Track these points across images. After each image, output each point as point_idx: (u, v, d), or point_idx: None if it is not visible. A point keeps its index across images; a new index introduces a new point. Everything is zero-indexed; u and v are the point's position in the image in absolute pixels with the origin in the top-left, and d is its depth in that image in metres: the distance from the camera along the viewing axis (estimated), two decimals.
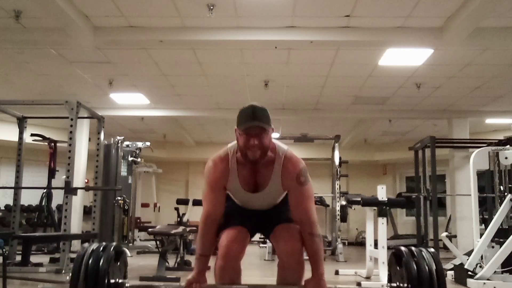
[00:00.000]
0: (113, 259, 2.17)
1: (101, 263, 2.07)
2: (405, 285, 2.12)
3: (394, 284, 2.24)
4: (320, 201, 10.15)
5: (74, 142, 5.57)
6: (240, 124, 2.18)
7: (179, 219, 7.93)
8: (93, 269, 2.05)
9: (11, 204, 6.10)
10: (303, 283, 2.25)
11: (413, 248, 2.19)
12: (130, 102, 8.33)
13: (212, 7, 4.64)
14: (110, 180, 8.08)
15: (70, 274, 2.11)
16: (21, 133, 6.26)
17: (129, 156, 8.65)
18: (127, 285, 2.25)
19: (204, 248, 2.28)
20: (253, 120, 2.15)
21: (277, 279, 2.35)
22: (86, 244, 2.19)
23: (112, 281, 2.16)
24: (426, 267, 2.07)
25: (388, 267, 2.36)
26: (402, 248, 2.20)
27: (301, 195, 2.27)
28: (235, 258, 2.26)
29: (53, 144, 7.70)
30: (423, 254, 2.13)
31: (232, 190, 2.40)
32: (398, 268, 2.24)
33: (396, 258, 2.26)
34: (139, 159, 8.94)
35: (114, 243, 2.26)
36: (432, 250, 2.20)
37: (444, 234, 5.17)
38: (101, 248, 2.14)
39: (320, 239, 2.26)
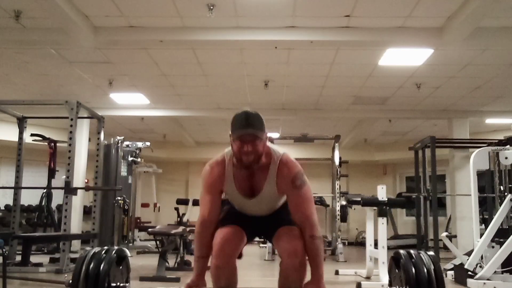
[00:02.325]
0: (114, 263, 2.18)
1: (101, 267, 2.07)
2: None
3: None
4: (320, 201, 10.14)
5: (74, 142, 5.57)
6: (234, 131, 2.22)
7: (179, 219, 7.94)
8: (94, 273, 2.05)
9: (11, 204, 6.09)
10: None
11: (412, 251, 2.19)
12: (130, 102, 8.33)
13: (212, 7, 4.64)
14: (110, 180, 8.07)
15: (71, 276, 2.11)
16: (21, 133, 6.26)
17: (129, 156, 8.65)
18: None
19: (201, 250, 2.32)
20: (247, 127, 2.18)
21: (279, 279, 2.35)
22: (88, 248, 2.20)
23: (113, 284, 2.16)
24: (425, 270, 2.07)
25: (388, 270, 2.36)
26: (401, 252, 2.20)
27: (299, 199, 2.29)
28: (229, 256, 2.26)
29: (53, 144, 7.70)
30: (422, 257, 2.13)
31: (229, 195, 2.42)
32: (397, 271, 2.24)
33: (395, 262, 2.27)
34: (139, 159, 8.94)
35: (116, 247, 2.26)
36: (431, 253, 2.20)
37: (444, 234, 5.16)
38: (103, 252, 2.14)
39: (321, 241, 2.28)
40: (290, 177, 2.28)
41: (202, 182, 2.37)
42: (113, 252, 2.18)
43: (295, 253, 2.23)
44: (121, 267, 2.26)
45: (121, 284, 2.23)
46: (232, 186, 2.34)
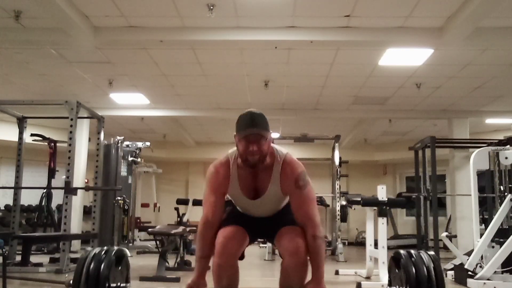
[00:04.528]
0: (114, 264, 2.18)
1: (101, 269, 2.09)
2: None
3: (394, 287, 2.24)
4: (320, 201, 10.14)
5: (74, 142, 5.57)
6: (239, 131, 2.24)
7: (179, 219, 7.93)
8: (94, 275, 2.07)
9: (11, 204, 6.09)
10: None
11: (412, 251, 2.19)
12: (130, 102, 8.33)
13: (212, 7, 4.64)
14: (110, 180, 8.07)
15: (72, 276, 2.12)
16: (21, 133, 6.26)
17: (129, 156, 8.65)
18: None
19: (203, 250, 2.32)
20: (252, 127, 2.21)
21: (280, 278, 2.36)
22: (88, 249, 2.21)
23: (113, 285, 2.17)
24: (425, 270, 2.07)
25: (388, 270, 2.36)
26: (401, 252, 2.20)
27: (301, 199, 2.30)
28: (231, 255, 2.26)
29: (53, 144, 7.70)
30: (422, 256, 2.13)
31: (233, 196, 2.42)
32: (397, 271, 2.24)
33: (395, 261, 2.27)
34: (139, 159, 8.94)
35: (116, 247, 2.26)
36: (431, 252, 2.20)
37: (444, 234, 5.17)
38: (103, 253, 2.15)
39: (323, 241, 2.28)
40: (293, 177, 2.29)
41: (206, 183, 2.38)
42: (113, 252, 2.18)
43: (296, 252, 2.23)
44: (120, 267, 2.26)
45: (122, 285, 2.22)
46: (236, 187, 2.34)
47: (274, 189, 2.32)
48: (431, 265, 2.09)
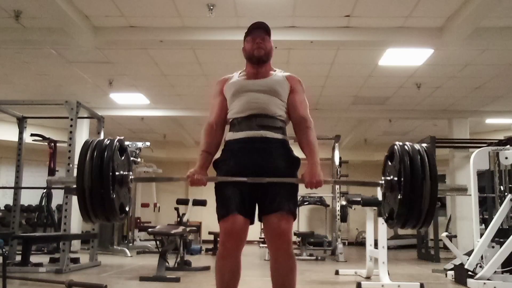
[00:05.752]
0: (117, 152, 2.22)
1: (105, 155, 2.12)
2: (398, 177, 2.16)
3: (389, 178, 2.25)
4: (320, 201, 10.15)
5: (74, 142, 5.56)
6: (246, 33, 2.51)
7: (179, 219, 7.92)
8: (98, 163, 2.10)
9: (11, 204, 6.09)
10: (295, 276, 2.28)
11: (407, 142, 2.25)
12: (130, 102, 8.33)
13: (212, 7, 4.65)
14: None
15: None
16: (21, 133, 6.25)
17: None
18: (131, 177, 2.30)
19: (207, 145, 2.37)
20: (258, 25, 2.48)
21: (271, 274, 2.34)
22: (90, 138, 2.25)
23: (117, 173, 2.19)
24: (419, 158, 2.12)
25: (383, 165, 2.37)
26: (397, 143, 2.24)
27: (300, 98, 2.43)
28: (234, 248, 2.25)
29: (53, 144, 7.69)
30: (416, 147, 2.19)
31: (231, 86, 2.45)
32: (391, 164, 2.27)
33: (390, 154, 2.30)
34: (139, 159, 8.94)
35: (118, 137, 2.29)
36: (424, 144, 2.26)
37: (444, 234, 5.17)
38: (106, 141, 2.19)
39: (315, 134, 2.41)
40: (296, 80, 2.46)
41: (211, 93, 2.53)
42: (115, 141, 2.22)
43: (282, 235, 2.21)
44: (123, 158, 2.29)
45: (124, 173, 2.26)
46: (237, 78, 2.50)
47: (277, 78, 2.44)
48: (425, 156, 2.14)
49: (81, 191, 2.09)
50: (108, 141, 2.19)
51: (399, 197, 2.12)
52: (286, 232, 2.22)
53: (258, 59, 2.44)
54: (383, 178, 2.32)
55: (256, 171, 2.25)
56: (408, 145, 2.21)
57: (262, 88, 2.38)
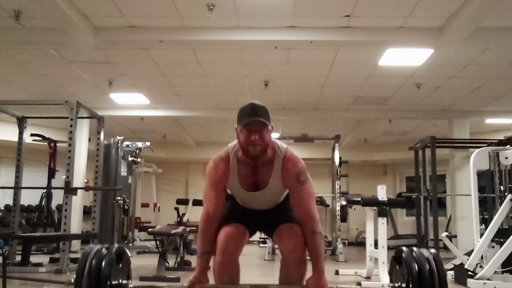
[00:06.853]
0: (114, 261, 2.19)
1: (103, 266, 2.09)
2: (406, 285, 2.12)
3: (396, 284, 2.24)
4: (320, 201, 10.13)
5: (74, 142, 5.56)
6: (240, 121, 2.21)
7: (179, 219, 7.93)
8: (95, 273, 2.08)
9: (11, 204, 6.09)
10: (304, 281, 2.26)
11: (414, 248, 2.19)
12: (130, 102, 8.33)
13: (212, 7, 4.64)
14: (110, 180, 8.08)
15: (73, 276, 2.13)
16: (21, 133, 6.26)
17: (129, 156, 8.65)
18: (130, 286, 2.26)
19: (205, 246, 2.30)
20: (254, 116, 2.18)
21: (280, 275, 2.36)
22: (89, 246, 2.22)
23: (115, 282, 2.17)
24: (427, 267, 2.07)
25: (390, 267, 2.36)
26: (404, 248, 2.20)
27: (302, 194, 2.28)
28: (232, 253, 2.26)
29: (53, 144, 7.69)
30: (424, 254, 2.13)
31: (232, 190, 2.41)
32: (399, 268, 2.24)
33: (397, 258, 2.27)
34: (139, 159, 8.94)
35: (116, 245, 2.26)
36: (433, 250, 2.20)
37: (444, 234, 5.16)
38: (103, 251, 2.16)
39: (321, 237, 2.27)
40: (295, 172, 2.28)
41: (206, 178, 2.35)
42: (114, 250, 2.19)
43: (295, 250, 2.24)
44: (121, 265, 2.27)
45: (124, 281, 2.24)
46: (236, 181, 2.32)
47: (276, 183, 2.30)
48: (433, 263, 2.09)
49: None
50: (106, 252, 2.17)
51: None
52: (300, 234, 2.26)
53: (253, 157, 2.24)
54: (390, 285, 2.29)
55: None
56: (416, 252, 2.16)
57: (262, 201, 2.43)
